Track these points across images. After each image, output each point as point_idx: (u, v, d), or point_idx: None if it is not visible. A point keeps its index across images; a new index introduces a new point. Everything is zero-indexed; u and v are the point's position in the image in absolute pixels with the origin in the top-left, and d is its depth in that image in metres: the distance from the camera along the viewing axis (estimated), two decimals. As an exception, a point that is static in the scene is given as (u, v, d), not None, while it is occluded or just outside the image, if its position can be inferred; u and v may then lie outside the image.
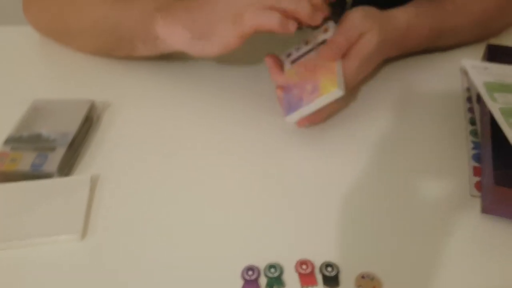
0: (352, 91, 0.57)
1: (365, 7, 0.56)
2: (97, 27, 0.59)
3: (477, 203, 0.46)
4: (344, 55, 0.53)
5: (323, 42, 0.55)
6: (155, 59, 0.62)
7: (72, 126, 0.51)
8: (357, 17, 0.54)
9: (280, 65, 0.56)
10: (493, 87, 0.52)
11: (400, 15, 0.57)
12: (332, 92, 0.49)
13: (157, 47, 0.57)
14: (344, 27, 0.54)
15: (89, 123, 0.54)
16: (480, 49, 0.61)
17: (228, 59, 0.64)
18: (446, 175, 0.49)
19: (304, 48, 0.57)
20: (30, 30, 0.66)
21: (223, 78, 0.61)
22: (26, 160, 0.48)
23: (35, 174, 0.47)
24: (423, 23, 0.58)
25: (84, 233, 0.43)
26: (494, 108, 0.49)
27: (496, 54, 0.59)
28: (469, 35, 0.64)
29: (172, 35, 0.53)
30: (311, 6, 0.49)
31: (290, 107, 0.51)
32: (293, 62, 0.56)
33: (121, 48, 0.60)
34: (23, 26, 0.68)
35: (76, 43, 0.63)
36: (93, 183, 0.48)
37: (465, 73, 0.61)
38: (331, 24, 0.56)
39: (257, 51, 0.60)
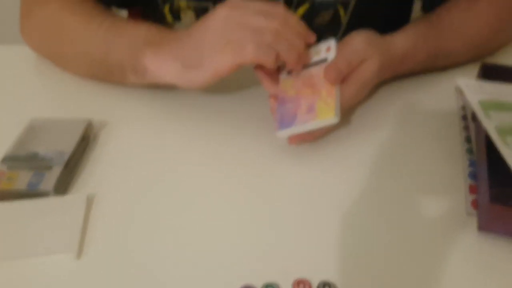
0: (345, 112, 0.58)
1: (366, 31, 0.57)
2: (88, 56, 0.60)
3: (473, 221, 0.45)
4: (343, 80, 0.53)
5: (325, 60, 0.55)
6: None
7: (68, 145, 0.51)
8: (359, 42, 0.55)
9: (272, 74, 0.56)
10: (488, 106, 0.53)
11: (399, 41, 0.58)
12: (329, 119, 0.49)
13: (147, 78, 0.57)
14: (347, 52, 0.54)
15: (85, 142, 0.54)
16: (475, 67, 0.62)
17: (223, 81, 0.65)
18: (443, 193, 0.49)
19: None
20: (27, 49, 0.66)
21: (218, 99, 0.62)
22: (22, 179, 0.48)
23: (31, 193, 0.47)
24: (421, 48, 0.59)
25: (80, 252, 0.43)
26: (489, 126, 0.49)
27: (490, 73, 0.59)
28: (464, 57, 0.65)
29: (162, 67, 0.54)
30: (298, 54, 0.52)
31: (282, 122, 0.51)
32: (290, 72, 0.56)
33: (113, 77, 0.61)
34: (20, 45, 0.68)
35: (71, 68, 0.64)
36: (89, 202, 0.48)
37: (460, 91, 0.62)
38: (332, 44, 0.56)
39: (246, 73, 0.61)
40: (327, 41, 0.57)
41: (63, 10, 0.62)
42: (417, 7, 0.77)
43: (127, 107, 0.60)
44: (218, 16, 0.52)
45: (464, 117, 0.58)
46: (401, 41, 0.58)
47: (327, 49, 0.56)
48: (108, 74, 0.61)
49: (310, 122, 0.50)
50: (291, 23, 0.52)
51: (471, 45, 0.64)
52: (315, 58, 0.56)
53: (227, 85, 0.63)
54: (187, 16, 0.69)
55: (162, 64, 0.54)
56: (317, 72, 0.54)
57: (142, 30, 0.57)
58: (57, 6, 0.63)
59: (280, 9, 0.53)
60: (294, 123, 0.51)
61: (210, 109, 0.60)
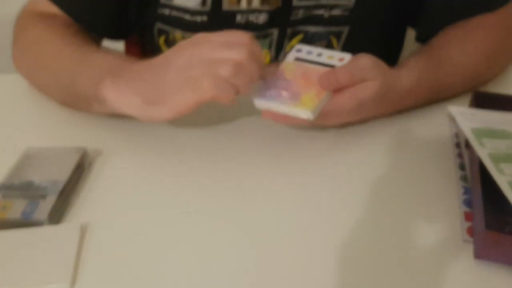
0: (336, 124, 0.58)
1: (376, 58, 0.57)
2: (59, 84, 0.61)
3: (469, 248, 0.45)
4: (339, 91, 0.54)
5: (332, 66, 0.56)
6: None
7: (63, 174, 0.51)
8: (367, 63, 0.55)
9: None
10: (480, 133, 0.53)
11: (404, 78, 0.58)
12: (305, 111, 0.52)
13: (108, 109, 0.56)
14: (351, 65, 0.55)
15: (80, 170, 0.54)
16: (467, 95, 0.63)
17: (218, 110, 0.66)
18: (438, 221, 0.49)
19: (315, 57, 0.57)
20: (21, 78, 0.67)
21: (215, 128, 0.62)
22: (16, 208, 0.48)
23: (25, 222, 0.47)
24: (424, 85, 0.60)
25: (73, 282, 0.43)
26: (483, 154, 0.50)
27: (482, 101, 0.60)
28: (462, 89, 0.65)
29: (122, 100, 0.53)
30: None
31: (264, 93, 0.54)
32: (297, 60, 0.57)
33: (79, 105, 0.61)
34: (14, 74, 0.69)
35: (48, 95, 0.65)
36: (83, 231, 0.47)
37: (452, 119, 0.62)
38: (347, 57, 0.57)
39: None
40: (344, 53, 0.57)
41: (43, 36, 0.64)
42: (409, 36, 0.79)
43: (122, 136, 0.60)
44: (180, 52, 0.52)
45: (458, 145, 0.58)
46: (406, 77, 0.58)
47: (340, 59, 0.57)
48: (76, 102, 0.61)
49: (289, 106, 0.52)
50: (256, 54, 0.51)
51: (469, 77, 0.64)
52: (326, 60, 0.57)
53: (222, 114, 0.64)
54: None
55: (121, 97, 0.53)
56: (319, 71, 0.55)
57: (107, 60, 0.57)
58: (38, 31, 0.64)
59: (245, 39, 0.51)
60: (275, 99, 0.53)
61: (206, 139, 0.60)
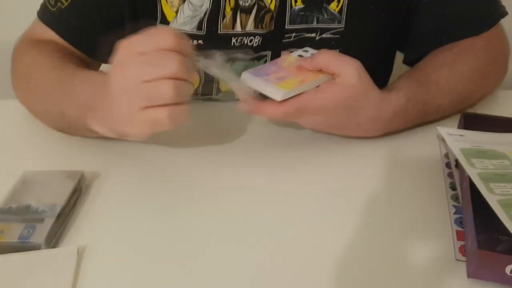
0: (309, 126, 0.61)
1: (363, 74, 0.59)
2: (48, 110, 0.62)
3: (463, 267, 0.46)
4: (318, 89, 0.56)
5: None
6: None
7: (60, 198, 0.52)
8: (351, 64, 0.58)
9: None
10: (470, 153, 0.55)
11: (393, 100, 0.60)
12: (278, 90, 0.54)
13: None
14: (334, 54, 0.58)
15: (77, 194, 0.54)
16: (456, 117, 0.64)
17: (216, 130, 0.67)
18: (431, 241, 0.49)
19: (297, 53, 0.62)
20: (17, 103, 0.68)
21: (212, 149, 0.63)
22: (13, 232, 0.48)
23: (22, 246, 0.47)
24: (412, 109, 0.61)
25: (70, 306, 0.43)
26: (473, 173, 0.51)
27: (471, 122, 0.62)
28: (450, 112, 0.66)
29: (106, 133, 0.56)
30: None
31: (255, 71, 0.57)
32: (300, 56, 0.61)
33: (74, 132, 0.62)
34: (10, 100, 0.70)
35: (43, 122, 0.66)
36: (80, 254, 0.48)
37: (442, 140, 0.64)
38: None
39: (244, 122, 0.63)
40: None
41: (33, 63, 0.65)
42: (398, 59, 0.80)
43: (119, 159, 0.61)
44: (115, 76, 0.51)
45: (448, 165, 0.60)
46: (395, 99, 0.60)
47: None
48: (70, 129, 0.62)
49: (267, 84, 0.55)
50: (184, 51, 0.50)
51: (457, 100, 0.66)
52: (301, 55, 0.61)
53: (220, 134, 0.65)
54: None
55: (104, 131, 0.55)
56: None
57: (84, 92, 0.57)
58: (30, 58, 0.66)
59: (169, 39, 0.49)
60: (260, 76, 0.56)
61: (203, 162, 0.61)
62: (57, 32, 0.67)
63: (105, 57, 0.73)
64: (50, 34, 0.68)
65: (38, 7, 0.70)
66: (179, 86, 0.49)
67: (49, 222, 0.49)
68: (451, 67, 0.65)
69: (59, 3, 0.67)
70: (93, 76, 0.59)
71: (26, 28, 0.72)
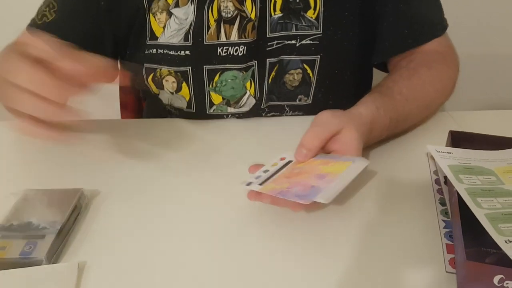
0: None
1: (331, 110, 0.60)
2: None
3: (453, 279, 0.48)
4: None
5: (288, 163, 0.58)
6: (142, 150, 0.66)
7: (61, 215, 0.53)
8: (326, 116, 0.59)
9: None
10: (458, 170, 0.57)
11: (363, 111, 0.62)
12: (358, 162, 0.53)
13: None
14: (315, 129, 0.57)
15: (77, 211, 0.55)
16: (444, 135, 0.67)
17: (215, 150, 0.68)
18: (422, 254, 0.51)
19: (265, 174, 0.57)
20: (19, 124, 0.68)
21: (212, 168, 0.65)
22: (15, 248, 0.49)
23: (23, 262, 0.48)
24: (384, 115, 0.64)
25: (71, 320, 0.43)
26: (461, 189, 0.53)
27: (458, 140, 0.64)
28: (419, 117, 0.72)
29: None
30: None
31: (309, 194, 0.50)
32: (261, 184, 0.55)
33: None
34: (11, 120, 0.71)
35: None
36: (80, 269, 0.49)
37: (431, 157, 0.66)
38: (287, 154, 0.59)
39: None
40: (282, 155, 0.60)
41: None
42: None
43: (118, 178, 0.62)
44: None
45: (437, 181, 0.62)
46: (365, 110, 0.62)
47: (282, 158, 0.59)
48: None
49: (343, 174, 0.51)
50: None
51: (423, 106, 0.71)
52: (276, 167, 0.58)
53: (218, 153, 0.67)
54: (169, 82, 0.75)
55: None
56: (291, 167, 0.57)
57: None
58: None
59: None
60: (322, 188, 0.50)
61: (202, 182, 0.62)
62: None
63: None
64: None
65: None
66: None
67: (50, 239, 0.50)
68: (409, 79, 0.70)
69: (44, 18, 0.70)
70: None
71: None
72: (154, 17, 0.70)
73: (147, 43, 0.72)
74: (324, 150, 0.59)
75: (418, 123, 0.72)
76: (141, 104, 0.98)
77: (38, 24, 0.71)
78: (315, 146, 0.57)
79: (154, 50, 0.72)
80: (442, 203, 0.58)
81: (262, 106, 0.77)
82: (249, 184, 0.55)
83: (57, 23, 0.70)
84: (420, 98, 0.70)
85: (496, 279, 0.44)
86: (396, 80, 0.70)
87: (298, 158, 0.57)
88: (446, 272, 0.49)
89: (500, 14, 1.48)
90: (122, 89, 0.94)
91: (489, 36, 1.48)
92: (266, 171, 0.58)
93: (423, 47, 0.75)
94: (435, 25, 0.76)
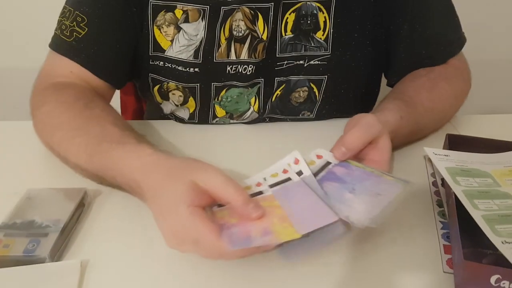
0: None
1: (366, 114, 0.60)
2: (77, 167, 0.60)
3: (450, 279, 0.49)
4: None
5: (287, 180, 0.55)
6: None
7: (64, 213, 0.53)
8: (372, 119, 0.58)
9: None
10: (454, 172, 0.58)
11: (390, 119, 0.62)
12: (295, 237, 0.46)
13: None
14: (360, 130, 0.57)
15: (80, 210, 0.56)
16: (441, 138, 0.67)
17: (213, 152, 0.69)
18: (420, 254, 0.52)
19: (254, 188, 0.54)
20: (23, 124, 0.69)
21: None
22: (18, 246, 0.49)
23: (27, 260, 0.48)
24: (405, 125, 0.64)
25: (74, 317, 0.44)
26: (458, 190, 0.54)
27: (455, 143, 0.65)
28: (432, 130, 0.73)
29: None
30: None
31: (234, 241, 0.45)
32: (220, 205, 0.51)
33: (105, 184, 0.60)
34: (15, 121, 0.72)
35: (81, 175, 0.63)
36: (83, 267, 0.49)
37: (429, 160, 0.67)
38: (324, 152, 0.57)
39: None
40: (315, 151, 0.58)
41: (52, 117, 0.63)
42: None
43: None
44: (165, 226, 0.49)
45: (434, 183, 0.63)
46: (391, 118, 0.62)
47: (318, 156, 0.57)
48: (99, 181, 0.60)
49: (273, 240, 0.46)
50: None
51: (438, 119, 0.72)
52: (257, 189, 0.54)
53: (217, 155, 0.67)
54: (175, 96, 0.74)
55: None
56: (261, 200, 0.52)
57: (132, 175, 0.53)
58: (48, 109, 0.64)
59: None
60: (250, 242, 0.46)
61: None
62: (77, 62, 0.67)
63: (122, 83, 0.75)
64: (68, 65, 0.67)
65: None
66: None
67: (53, 237, 0.50)
68: (430, 90, 0.71)
69: (75, 33, 0.67)
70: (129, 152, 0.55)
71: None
72: (160, 29, 0.69)
73: (150, 54, 0.71)
74: (358, 155, 0.57)
75: (430, 133, 0.73)
76: (141, 105, 0.98)
77: (69, 42, 0.67)
78: (356, 147, 0.56)
79: (161, 63, 0.71)
80: (439, 204, 0.59)
81: (263, 117, 0.77)
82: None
83: (92, 35, 0.67)
84: (437, 112, 0.71)
85: (493, 279, 0.45)
86: (418, 89, 0.70)
87: (336, 156, 0.56)
88: (444, 272, 0.50)
89: (498, 19, 1.50)
90: (122, 90, 0.94)
91: (487, 41, 1.50)
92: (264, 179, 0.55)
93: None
94: (452, 44, 0.76)
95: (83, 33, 0.67)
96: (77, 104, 0.63)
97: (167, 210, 0.48)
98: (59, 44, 0.68)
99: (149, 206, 0.51)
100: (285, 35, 0.71)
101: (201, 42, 0.69)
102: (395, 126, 0.62)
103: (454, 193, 0.53)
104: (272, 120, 0.78)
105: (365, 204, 0.49)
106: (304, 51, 0.72)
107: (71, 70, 0.68)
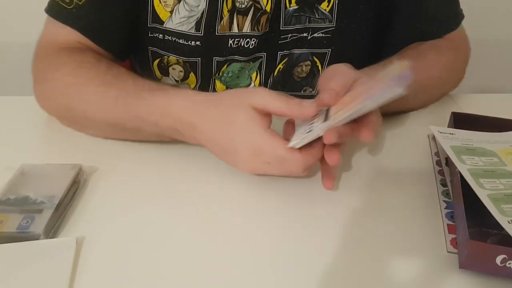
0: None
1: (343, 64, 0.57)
2: (105, 123, 0.60)
3: (454, 259, 0.48)
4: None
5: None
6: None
7: (59, 189, 0.52)
8: (346, 67, 0.56)
9: None
10: (460, 150, 0.56)
11: (369, 73, 0.58)
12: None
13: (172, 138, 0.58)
14: (342, 75, 0.54)
15: (75, 186, 0.54)
16: (446, 117, 0.66)
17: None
18: (423, 234, 0.51)
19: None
20: (18, 99, 0.68)
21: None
22: (12, 222, 0.48)
23: (21, 236, 0.47)
24: None
25: (69, 295, 0.43)
26: (463, 169, 0.52)
27: (460, 122, 0.64)
28: (412, 105, 0.70)
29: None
30: None
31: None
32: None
33: (129, 136, 0.62)
34: (7, 96, 0.70)
35: (85, 131, 0.64)
36: (79, 244, 0.48)
37: (433, 139, 0.66)
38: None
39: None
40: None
41: (74, 82, 0.61)
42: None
43: (116, 154, 0.61)
44: (241, 159, 0.53)
45: (438, 162, 0.61)
46: (370, 72, 0.58)
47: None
48: (124, 134, 0.62)
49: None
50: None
51: (423, 90, 0.68)
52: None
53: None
54: (176, 71, 0.72)
55: (207, 148, 0.56)
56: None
57: (180, 108, 0.55)
58: (69, 70, 0.62)
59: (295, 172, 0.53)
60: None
61: (200, 157, 0.61)
62: (77, 30, 0.65)
63: (124, 55, 0.73)
64: (71, 34, 0.66)
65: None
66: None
67: (48, 213, 0.49)
68: (415, 60, 0.65)
69: (75, 0, 0.65)
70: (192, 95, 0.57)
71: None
72: None
73: (148, 25, 0.69)
74: None
75: (417, 107, 0.71)
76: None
77: (69, 9, 0.65)
78: (342, 91, 0.53)
79: (160, 35, 0.69)
80: (443, 184, 0.58)
81: None
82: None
83: (92, 2, 0.65)
84: (420, 83, 0.65)
85: (498, 259, 0.44)
86: (402, 58, 0.68)
87: (326, 100, 0.52)
88: (448, 252, 0.49)
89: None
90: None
91: (492, 21, 1.48)
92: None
93: None
94: (449, 20, 0.74)
95: (83, 0, 0.65)
96: (101, 63, 0.63)
97: (244, 138, 0.52)
98: (57, 11, 0.66)
99: (205, 144, 0.54)
100: (290, 6, 0.69)
101: (202, 13, 0.67)
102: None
103: (459, 172, 0.52)
104: None
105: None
106: (308, 23, 0.70)
107: (76, 40, 0.66)
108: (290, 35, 0.70)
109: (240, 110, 0.52)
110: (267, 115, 0.53)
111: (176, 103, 0.55)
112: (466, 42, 0.76)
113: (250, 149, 0.52)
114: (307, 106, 0.51)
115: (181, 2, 0.66)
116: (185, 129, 0.55)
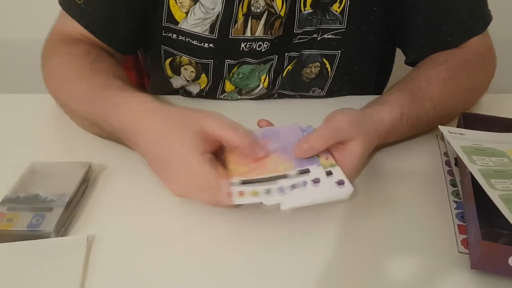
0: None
1: (350, 110, 0.55)
2: (80, 116, 0.62)
3: (466, 259, 0.47)
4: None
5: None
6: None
7: (69, 188, 0.52)
8: (342, 121, 0.53)
9: None
10: (470, 151, 0.56)
11: (386, 117, 0.58)
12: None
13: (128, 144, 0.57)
14: (326, 130, 0.53)
15: (85, 184, 0.54)
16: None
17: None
18: (434, 235, 0.51)
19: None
20: (28, 97, 0.68)
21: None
22: (22, 220, 0.48)
23: (31, 234, 0.47)
24: (406, 123, 0.60)
25: (81, 293, 0.43)
26: (474, 170, 0.52)
27: (470, 122, 0.63)
28: (437, 125, 0.63)
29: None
30: None
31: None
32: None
33: (99, 132, 0.62)
34: (19, 94, 0.71)
35: (75, 122, 0.65)
36: (89, 243, 0.48)
37: (441, 138, 0.65)
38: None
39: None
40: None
41: (63, 66, 0.64)
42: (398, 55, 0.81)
43: (126, 152, 0.60)
44: (168, 172, 0.51)
45: (447, 163, 0.61)
46: (388, 117, 0.58)
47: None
48: (96, 130, 0.62)
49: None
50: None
51: (446, 116, 0.66)
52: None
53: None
54: (187, 71, 0.72)
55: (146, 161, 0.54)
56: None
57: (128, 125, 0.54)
58: (58, 61, 0.65)
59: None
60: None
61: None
62: (83, 25, 0.67)
63: (128, 50, 0.74)
64: (77, 27, 0.67)
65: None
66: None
67: (58, 211, 0.49)
68: (444, 83, 0.64)
69: None
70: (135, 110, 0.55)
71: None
72: (175, 0, 0.66)
73: (163, 25, 0.68)
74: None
75: (431, 130, 0.67)
76: (143, 81, 0.96)
77: (79, 4, 0.66)
78: (318, 148, 0.52)
79: (174, 35, 0.69)
80: (453, 184, 0.58)
81: (272, 93, 0.75)
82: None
83: (100, 0, 0.66)
84: (447, 108, 0.64)
85: (511, 260, 0.44)
86: (431, 79, 0.64)
87: (297, 153, 0.52)
88: (459, 252, 0.49)
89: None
90: (123, 65, 0.91)
91: (503, 20, 1.47)
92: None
93: (462, 44, 0.69)
94: (475, 22, 0.69)
95: None
96: (86, 58, 0.64)
97: (178, 158, 0.49)
98: (69, 5, 0.68)
99: (145, 153, 0.52)
100: (304, 10, 0.68)
101: (217, 16, 0.66)
102: (392, 124, 0.58)
103: (470, 172, 0.52)
104: (280, 96, 0.76)
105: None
106: (319, 24, 0.69)
107: (80, 32, 0.67)
108: (299, 37, 0.70)
109: (185, 130, 0.50)
110: (213, 142, 0.51)
111: (128, 106, 0.55)
112: (492, 52, 0.72)
113: (185, 171, 0.49)
114: (259, 150, 0.52)
115: (197, 4, 0.66)
116: (130, 133, 0.54)
